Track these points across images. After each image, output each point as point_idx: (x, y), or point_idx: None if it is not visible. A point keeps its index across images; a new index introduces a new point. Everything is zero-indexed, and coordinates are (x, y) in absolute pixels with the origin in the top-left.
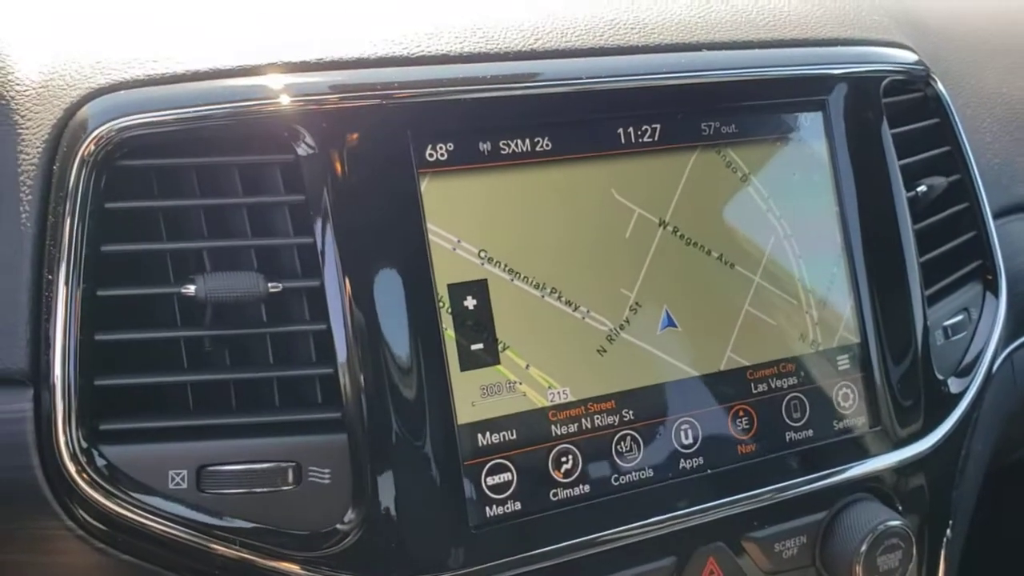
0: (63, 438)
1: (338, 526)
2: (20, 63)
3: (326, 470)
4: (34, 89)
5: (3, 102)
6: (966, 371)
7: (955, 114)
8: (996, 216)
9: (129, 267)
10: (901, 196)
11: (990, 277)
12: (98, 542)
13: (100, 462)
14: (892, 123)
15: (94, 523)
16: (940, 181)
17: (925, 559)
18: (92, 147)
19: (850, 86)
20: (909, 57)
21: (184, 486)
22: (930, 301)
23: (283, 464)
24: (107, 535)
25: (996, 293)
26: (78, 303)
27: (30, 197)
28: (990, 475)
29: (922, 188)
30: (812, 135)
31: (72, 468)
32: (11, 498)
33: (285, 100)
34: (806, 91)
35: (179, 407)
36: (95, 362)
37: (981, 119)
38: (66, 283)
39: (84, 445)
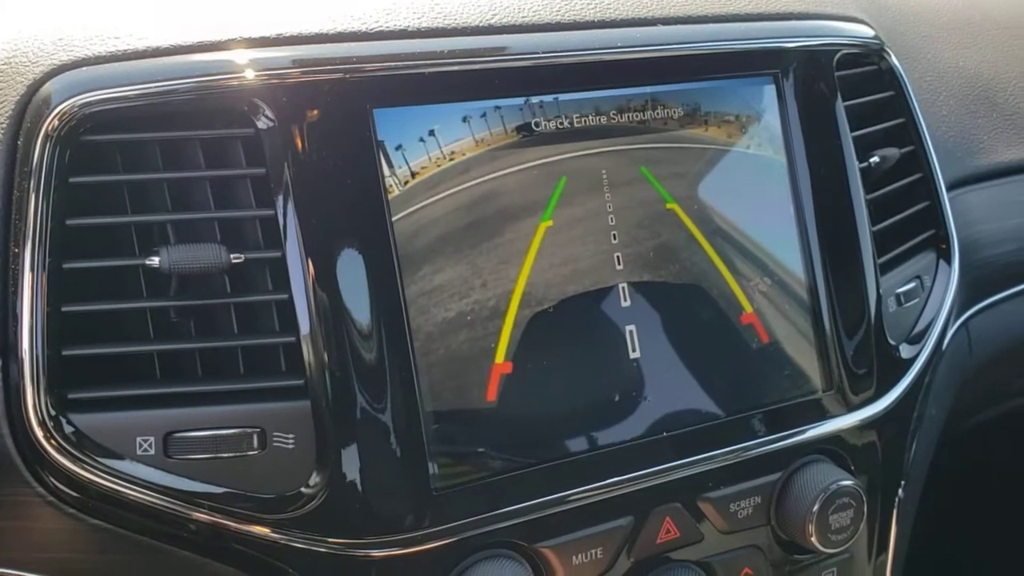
0: (32, 406)
1: (303, 489)
2: None
3: (290, 435)
4: None
5: None
6: (918, 337)
7: (909, 87)
8: (951, 187)
9: (95, 240)
10: (854, 167)
11: (943, 246)
12: (69, 508)
13: (68, 429)
14: (846, 96)
15: (64, 489)
16: (893, 152)
17: (877, 518)
18: (56, 122)
19: (803, 59)
20: (864, 31)
21: (152, 452)
22: (884, 269)
23: (248, 430)
24: (77, 501)
25: (949, 261)
26: (44, 276)
27: None
28: (954, 440)
29: (875, 159)
30: (765, 108)
31: (41, 435)
32: None
33: (244, 74)
34: (760, 64)
35: (146, 375)
36: (62, 333)
37: (937, 92)
38: (32, 256)
39: (52, 413)
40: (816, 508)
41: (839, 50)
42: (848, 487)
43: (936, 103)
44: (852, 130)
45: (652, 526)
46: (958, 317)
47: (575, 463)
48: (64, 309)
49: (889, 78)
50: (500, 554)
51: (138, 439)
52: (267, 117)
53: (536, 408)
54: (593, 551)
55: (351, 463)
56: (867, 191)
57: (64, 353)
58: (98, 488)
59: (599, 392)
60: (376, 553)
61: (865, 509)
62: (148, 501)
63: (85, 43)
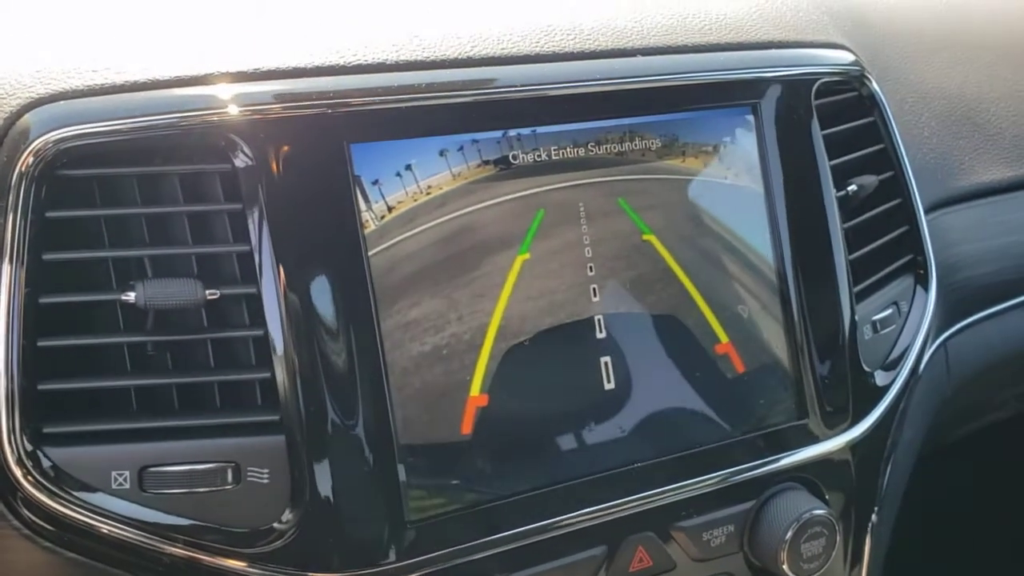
0: (7, 440)
1: (276, 524)
2: None
3: (265, 470)
4: None
5: None
6: (893, 364)
7: (889, 113)
8: (931, 209)
9: (71, 274)
10: (831, 195)
11: (921, 271)
12: (45, 541)
13: (45, 463)
14: (826, 123)
15: (40, 523)
16: (871, 180)
17: (850, 543)
18: (31, 159)
19: (782, 89)
20: (844, 57)
21: (127, 486)
22: (860, 296)
23: (223, 464)
24: (53, 535)
25: (926, 286)
26: (21, 310)
27: None
28: (929, 456)
29: (852, 187)
30: (743, 139)
31: (16, 470)
32: None
33: (220, 110)
34: (738, 95)
35: (122, 410)
36: (38, 367)
37: (919, 114)
38: (8, 291)
39: (28, 448)
40: (788, 536)
41: (818, 79)
42: (821, 516)
43: (918, 124)
44: (831, 157)
45: (624, 555)
46: (935, 339)
47: (548, 494)
48: (40, 344)
49: (869, 104)
50: None
51: (113, 473)
52: (244, 153)
53: (511, 440)
54: None
55: (325, 498)
56: (844, 219)
57: (40, 387)
58: (73, 522)
59: (573, 423)
60: None
61: (838, 537)
62: (123, 535)
63: (63, 76)
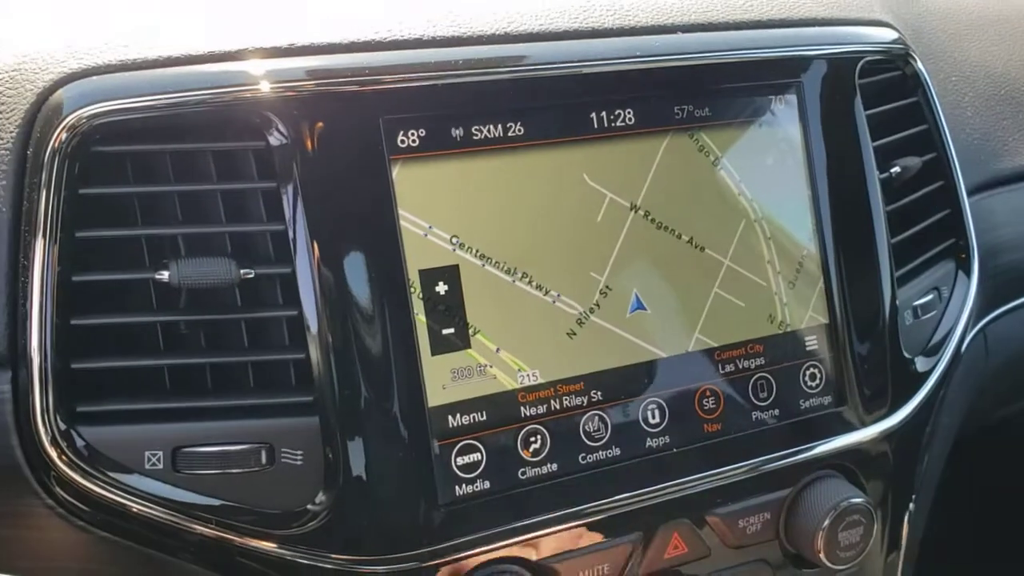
0: (41, 420)
1: (309, 506)
2: None
3: (298, 452)
4: (7, 73)
5: None
6: (934, 350)
7: (933, 93)
8: (972, 192)
9: (105, 252)
10: (873, 178)
11: (963, 256)
12: (79, 520)
13: (78, 443)
14: (869, 103)
15: (73, 502)
16: (914, 162)
17: (887, 533)
18: (64, 135)
19: (826, 68)
20: (888, 35)
21: (160, 467)
22: (901, 281)
23: (256, 446)
24: (87, 514)
25: (968, 271)
26: (54, 288)
27: (4, 183)
28: (965, 438)
29: (896, 169)
30: (786, 118)
31: (51, 450)
32: None
33: (255, 87)
34: (780, 73)
35: (155, 389)
36: (72, 345)
37: (962, 93)
38: (41, 268)
39: (62, 427)
40: (826, 525)
41: (862, 57)
42: (859, 504)
43: (961, 105)
44: (874, 138)
45: (660, 542)
46: (975, 324)
47: (584, 479)
48: (73, 322)
49: (913, 84)
50: (507, 570)
51: (147, 453)
52: (278, 130)
53: (548, 424)
54: (600, 567)
55: (359, 480)
56: (887, 202)
57: (73, 366)
58: (106, 501)
59: (610, 407)
60: (382, 569)
61: (876, 526)
62: (156, 515)
63: (95, 51)
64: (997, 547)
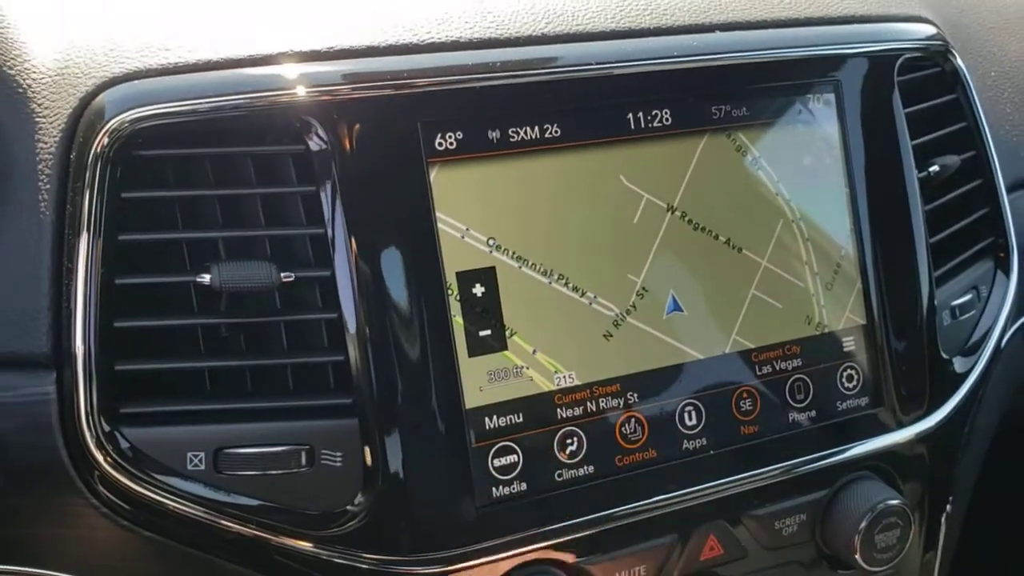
0: (85, 421)
1: (349, 507)
2: (36, 50)
3: (338, 453)
4: (50, 77)
5: (20, 90)
6: (972, 350)
7: (973, 89)
8: (1012, 190)
9: (146, 255)
10: (912, 177)
11: (1002, 255)
12: (122, 520)
13: (122, 444)
14: (908, 100)
15: (117, 502)
16: (953, 160)
17: (923, 535)
18: (107, 139)
19: (864, 65)
20: (927, 31)
21: (202, 467)
22: (940, 281)
23: (297, 447)
24: (131, 514)
25: (1007, 271)
26: (97, 290)
27: (48, 186)
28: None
29: (934, 168)
30: (824, 117)
31: (95, 449)
32: (38, 477)
33: (294, 91)
34: (819, 72)
35: (197, 391)
36: (115, 347)
37: (1002, 89)
38: (85, 271)
39: (106, 428)
40: (863, 527)
41: (901, 54)
42: (896, 507)
43: (1000, 100)
44: (913, 136)
45: (696, 544)
46: (1014, 323)
47: (620, 481)
48: (117, 324)
49: (952, 80)
50: (542, 571)
51: (189, 454)
52: (317, 135)
53: (585, 425)
54: (636, 569)
55: (397, 481)
56: (926, 201)
57: (117, 368)
58: (149, 501)
59: (647, 408)
60: (419, 570)
61: (912, 528)
62: (197, 515)
63: (136, 55)
64: None
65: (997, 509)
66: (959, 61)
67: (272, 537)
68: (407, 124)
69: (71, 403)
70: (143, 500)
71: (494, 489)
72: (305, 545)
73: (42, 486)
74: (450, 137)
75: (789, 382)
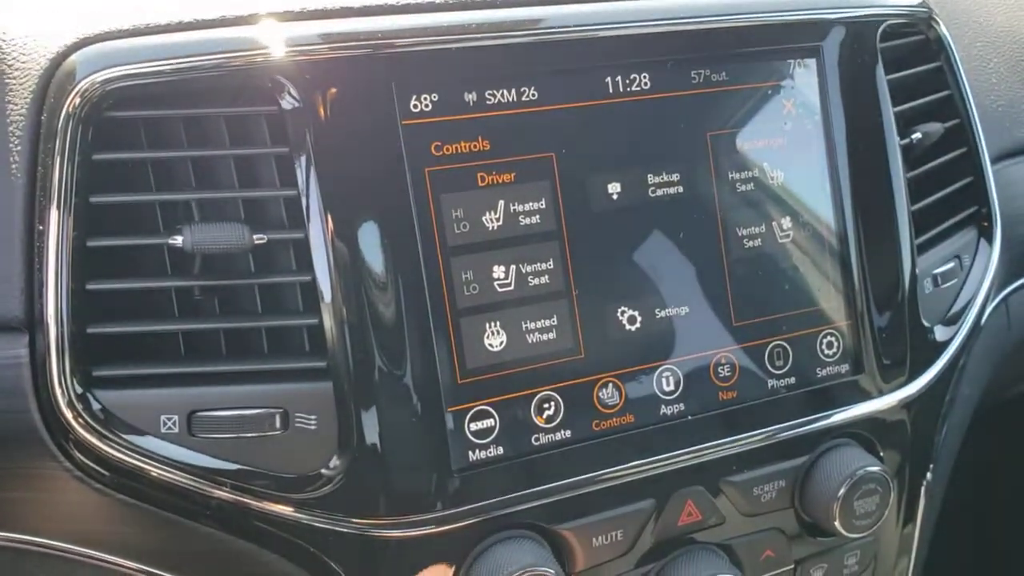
0: (58, 384)
1: (323, 470)
2: (5, 11)
3: (312, 416)
4: (20, 39)
5: None
6: (954, 319)
7: (957, 58)
8: (996, 160)
9: (119, 217)
10: (894, 144)
11: (985, 224)
12: (96, 483)
13: (95, 406)
14: (891, 68)
15: (91, 465)
16: (936, 128)
17: (903, 501)
18: (77, 100)
19: (846, 31)
20: None
21: (176, 430)
22: (922, 249)
23: (271, 410)
24: (105, 477)
25: (990, 240)
26: (69, 253)
27: (19, 148)
28: (985, 410)
29: (917, 135)
30: (805, 82)
31: (68, 412)
32: (10, 440)
33: (266, 51)
34: (800, 37)
35: (170, 354)
36: (87, 310)
37: (988, 59)
38: (57, 233)
39: (79, 390)
40: (841, 493)
41: (884, 20)
42: (875, 473)
43: (985, 70)
44: (895, 104)
45: (673, 509)
46: (997, 294)
47: (597, 446)
48: (89, 287)
49: (936, 48)
50: (520, 535)
51: (162, 417)
52: (290, 95)
53: (560, 391)
54: (614, 533)
55: (372, 445)
56: (908, 168)
57: (89, 331)
58: (123, 465)
59: (625, 373)
60: (396, 533)
61: (892, 495)
62: (172, 479)
63: (108, 16)
64: (1013, 523)
65: (977, 486)
66: (943, 29)
67: (250, 501)
68: (381, 85)
69: (44, 366)
70: (116, 463)
71: (471, 453)
72: (284, 509)
73: (15, 450)
74: (425, 99)
75: (768, 348)
